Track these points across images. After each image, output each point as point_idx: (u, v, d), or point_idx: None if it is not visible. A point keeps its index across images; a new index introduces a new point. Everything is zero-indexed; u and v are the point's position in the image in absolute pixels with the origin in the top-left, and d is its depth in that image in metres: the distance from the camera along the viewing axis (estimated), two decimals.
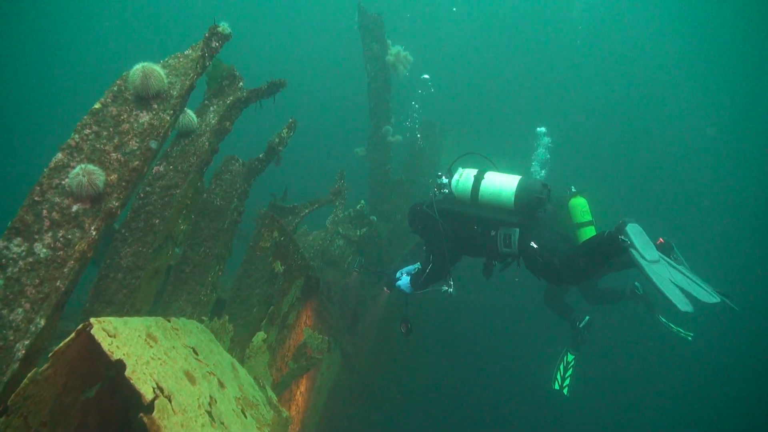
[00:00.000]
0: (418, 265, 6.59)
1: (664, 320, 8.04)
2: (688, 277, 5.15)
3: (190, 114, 4.38)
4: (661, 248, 5.46)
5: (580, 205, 7.12)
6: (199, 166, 4.17)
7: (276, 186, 6.65)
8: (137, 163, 3.15)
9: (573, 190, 7.70)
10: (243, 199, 5.18)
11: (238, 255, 5.78)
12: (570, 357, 7.85)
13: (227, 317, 4.89)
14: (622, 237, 5.13)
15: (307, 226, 7.50)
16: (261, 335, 5.40)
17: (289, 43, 36.78)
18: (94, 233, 2.98)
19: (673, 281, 4.97)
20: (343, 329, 7.86)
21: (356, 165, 11.10)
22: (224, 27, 3.73)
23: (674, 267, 5.20)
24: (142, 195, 4.18)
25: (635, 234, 5.17)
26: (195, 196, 4.18)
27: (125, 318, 3.22)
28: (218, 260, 4.91)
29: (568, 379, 7.78)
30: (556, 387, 7.80)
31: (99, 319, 2.97)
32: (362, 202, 8.25)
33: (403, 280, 6.55)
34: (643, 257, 5.04)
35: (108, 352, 2.84)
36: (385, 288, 7.00)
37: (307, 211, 6.41)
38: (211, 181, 5.38)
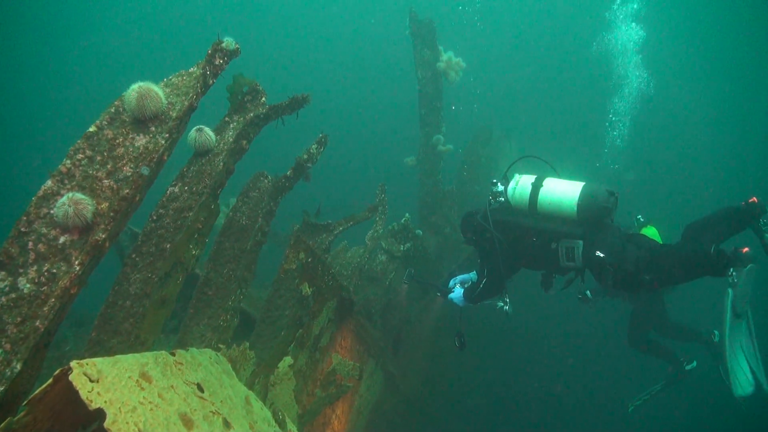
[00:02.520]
0: (473, 275, 6.14)
1: (657, 389, 7.87)
2: (755, 347, 4.50)
3: (207, 132, 4.16)
4: (752, 208, 4.73)
5: (651, 236, 6.54)
6: (213, 188, 3.94)
7: (317, 200, 6.42)
8: (127, 191, 2.92)
9: (641, 219, 7.31)
10: (269, 219, 4.93)
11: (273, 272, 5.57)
12: (657, 387, 7.80)
13: (247, 344, 4.65)
14: (734, 272, 4.42)
15: (347, 242, 7.21)
16: (288, 360, 5.15)
17: (338, 50, 36.63)
18: (77, 268, 2.77)
19: (743, 348, 4.34)
20: (385, 348, 7.53)
21: (406, 175, 10.76)
22: (229, 42, 3.47)
23: (750, 330, 4.55)
24: (155, 218, 4.00)
25: (748, 278, 4.47)
26: (208, 219, 3.95)
27: (116, 357, 2.99)
28: (240, 284, 4.68)
29: (642, 402, 7.82)
30: (630, 409, 7.92)
31: (81, 361, 2.74)
32: (407, 215, 7.88)
33: (456, 293, 6.09)
34: (735, 308, 4.44)
35: (87, 401, 2.61)
36: (438, 294, 6.55)
37: (341, 228, 6.11)
38: (237, 198, 5.18)
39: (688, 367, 7.55)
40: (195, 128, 4.15)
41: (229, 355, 4.44)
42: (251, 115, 4.30)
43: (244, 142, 4.21)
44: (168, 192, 4.07)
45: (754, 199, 4.82)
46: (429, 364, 9.07)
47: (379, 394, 7.63)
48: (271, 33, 36.55)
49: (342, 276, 6.76)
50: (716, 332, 7.60)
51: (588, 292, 7.56)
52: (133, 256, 3.87)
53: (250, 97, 4.52)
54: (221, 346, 4.39)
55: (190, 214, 3.89)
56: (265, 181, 5.20)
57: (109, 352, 3.64)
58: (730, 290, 4.39)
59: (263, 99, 4.49)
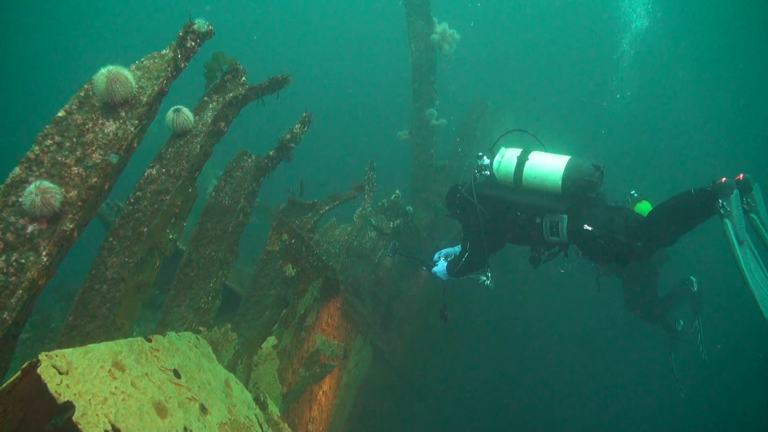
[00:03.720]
0: (458, 248, 6.12)
1: (698, 325, 7.74)
2: (761, 267, 4.43)
3: (185, 112, 4.07)
4: (739, 185, 4.49)
5: (645, 211, 6.50)
6: (190, 171, 3.87)
7: (307, 175, 6.36)
8: (95, 179, 2.86)
9: (635, 194, 7.27)
10: (251, 200, 4.87)
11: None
12: (698, 322, 7.77)
13: (229, 326, 4.64)
14: (724, 203, 4.32)
15: (336, 219, 7.16)
16: (272, 340, 5.15)
17: (329, 20, 35.73)
18: (45, 260, 2.73)
19: (753, 272, 4.27)
20: (374, 324, 7.55)
21: (398, 149, 10.64)
22: (201, 24, 3.36)
23: (755, 256, 4.45)
24: (132, 200, 3.94)
25: (737, 206, 4.33)
26: (185, 203, 3.89)
27: (88, 347, 2.97)
28: (222, 265, 4.65)
29: (701, 345, 7.80)
30: (704, 357, 7.85)
31: (51, 353, 2.72)
32: (397, 192, 7.81)
33: (440, 266, 6.07)
34: (737, 237, 4.27)
35: (55, 394, 2.60)
36: (423, 268, 6.54)
37: (327, 208, 6.05)
38: (220, 178, 5.11)
39: (678, 328, 7.80)
40: (173, 108, 4.06)
41: (210, 338, 4.44)
42: (230, 95, 4.20)
43: (223, 124, 4.12)
44: (146, 174, 4.00)
45: (741, 176, 4.64)
46: (418, 338, 9.11)
47: (368, 369, 7.68)
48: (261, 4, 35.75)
49: (329, 254, 6.74)
50: (693, 279, 7.84)
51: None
52: (111, 239, 3.82)
53: (230, 77, 4.41)
54: (201, 328, 4.38)
55: (168, 197, 3.83)
56: (249, 160, 5.12)
57: (86, 337, 3.62)
58: (726, 221, 4.28)
59: (243, 78, 4.38)
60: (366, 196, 6.91)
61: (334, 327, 6.36)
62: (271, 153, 4.90)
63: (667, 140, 23.77)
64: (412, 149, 9.86)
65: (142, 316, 6.22)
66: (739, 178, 4.60)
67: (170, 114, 4.04)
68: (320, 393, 6.37)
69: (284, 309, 5.23)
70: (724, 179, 4.45)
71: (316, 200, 6.05)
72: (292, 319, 5.36)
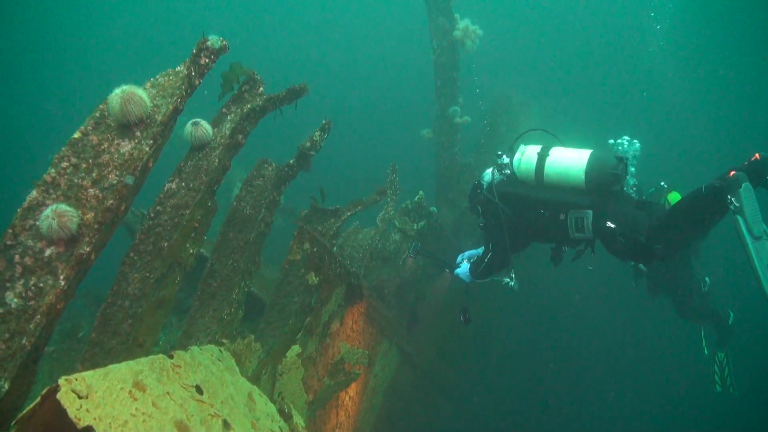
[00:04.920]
0: (481, 250, 6.04)
1: (722, 358, 7.52)
2: None
3: (204, 125, 4.05)
4: (757, 165, 4.33)
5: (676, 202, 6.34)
6: (209, 185, 3.85)
7: (334, 178, 6.33)
8: (111, 201, 2.84)
9: (664, 185, 7.14)
10: (272, 210, 4.84)
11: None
12: (721, 355, 7.57)
13: (252, 337, 4.62)
14: (732, 198, 4.17)
15: (359, 223, 7.11)
16: (296, 349, 5.13)
17: (349, 18, 35.38)
18: (63, 283, 2.72)
19: None
20: (400, 327, 7.49)
21: (422, 148, 10.53)
22: (215, 40, 3.32)
23: None
24: (152, 215, 3.94)
25: (748, 198, 4.16)
26: (205, 217, 3.87)
27: (109, 368, 2.96)
28: (244, 275, 4.63)
29: (729, 377, 7.54)
30: (719, 389, 7.64)
31: (70, 377, 2.72)
32: (420, 193, 7.72)
33: (463, 267, 6.01)
34: (751, 232, 4.11)
35: (75, 419, 2.59)
36: (446, 270, 6.48)
37: (349, 213, 6.00)
38: (242, 187, 5.09)
39: (730, 322, 7.54)
40: (191, 122, 4.04)
41: (233, 350, 4.43)
42: (248, 106, 4.16)
43: (240, 136, 4.09)
44: (165, 188, 3.99)
45: (757, 156, 4.45)
46: (446, 338, 9.03)
47: (395, 372, 7.64)
48: (279, 5, 35.68)
49: (353, 258, 6.69)
50: (731, 313, 7.56)
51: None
52: (131, 254, 3.83)
53: (247, 87, 4.38)
54: (225, 341, 4.37)
55: (187, 211, 3.81)
56: (269, 168, 5.09)
57: (108, 353, 3.63)
58: (738, 217, 4.13)
59: (261, 89, 4.34)
60: (389, 200, 6.84)
61: (358, 332, 6.32)
62: (291, 162, 4.86)
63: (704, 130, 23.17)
64: (435, 148, 9.76)
65: (168, 322, 6.27)
66: (756, 158, 4.40)
67: (188, 127, 4.02)
68: (347, 398, 6.35)
69: (308, 316, 5.20)
70: (732, 173, 4.28)
71: (338, 206, 6.00)
72: (316, 327, 5.33)
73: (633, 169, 6.91)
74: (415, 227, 7.53)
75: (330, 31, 34.09)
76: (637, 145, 6.01)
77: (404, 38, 27.15)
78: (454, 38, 9.27)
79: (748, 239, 4.11)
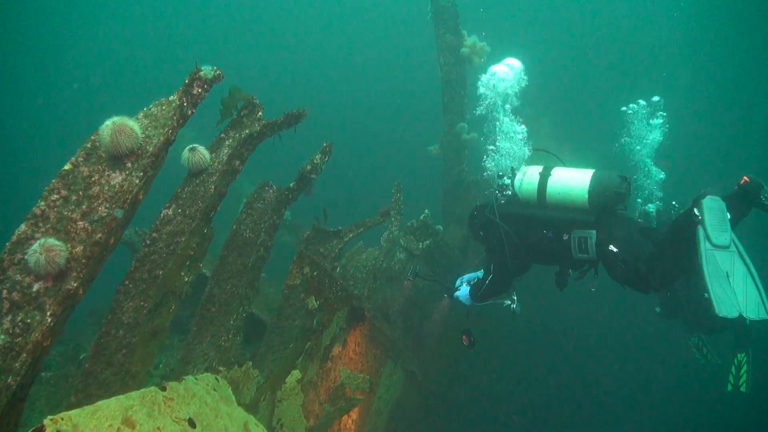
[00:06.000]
0: (480, 273, 5.96)
1: (741, 359, 7.46)
2: (753, 278, 4.32)
3: (201, 151, 4.01)
4: (747, 188, 4.59)
5: None
6: (205, 212, 3.80)
7: (341, 194, 6.27)
8: (100, 235, 2.80)
9: (676, 205, 7.08)
10: (271, 234, 4.78)
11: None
12: (741, 356, 7.52)
13: (250, 364, 4.56)
14: (695, 211, 4.36)
15: (363, 243, 7.03)
16: (296, 374, 5.05)
17: (358, 35, 35.32)
18: (50, 320, 2.67)
19: (729, 277, 4.21)
20: (405, 349, 7.40)
21: (430, 164, 10.45)
22: (207, 71, 3.28)
23: (744, 262, 4.40)
24: (148, 242, 3.89)
25: (711, 210, 4.36)
26: (200, 245, 3.82)
27: (97, 404, 2.90)
28: (242, 301, 4.57)
29: (744, 375, 7.53)
30: (729, 388, 7.63)
31: (55, 417, 2.66)
32: (426, 211, 7.64)
33: (462, 291, 5.93)
34: (708, 239, 4.28)
35: None
36: (445, 295, 6.41)
37: (351, 235, 5.93)
38: (242, 210, 5.04)
39: (748, 323, 7.28)
40: (188, 147, 4.01)
41: (230, 377, 4.37)
42: (246, 132, 4.12)
43: (237, 162, 4.04)
44: (162, 214, 3.95)
45: (746, 178, 4.68)
46: (452, 357, 8.91)
47: (400, 393, 7.53)
48: (286, 16, 35.82)
49: (356, 279, 6.62)
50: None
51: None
52: (127, 282, 3.79)
53: (246, 111, 4.33)
54: (221, 368, 4.30)
55: (183, 239, 3.76)
56: (270, 191, 5.04)
57: (102, 385, 3.58)
58: (699, 228, 4.34)
59: (260, 113, 4.30)
60: (393, 220, 6.77)
61: (361, 354, 6.24)
62: (291, 185, 4.81)
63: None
64: (443, 164, 9.69)
65: (170, 344, 6.22)
66: (745, 180, 4.65)
67: (185, 153, 3.99)
68: (349, 421, 6.26)
69: (309, 341, 5.14)
70: (702, 190, 4.50)
71: (340, 227, 5.94)
72: (317, 351, 5.26)
73: (660, 194, 6.93)
74: (421, 246, 7.44)
75: (338, 47, 34.17)
76: (662, 175, 5.99)
77: (412, 54, 27.14)
78: (461, 55, 9.22)
79: (702, 247, 4.24)
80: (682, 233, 4.52)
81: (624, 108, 6.06)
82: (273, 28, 35.75)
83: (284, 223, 10.37)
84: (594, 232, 4.90)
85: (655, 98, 6.55)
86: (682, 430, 12.99)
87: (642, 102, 6.55)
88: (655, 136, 6.32)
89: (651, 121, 6.25)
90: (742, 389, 7.38)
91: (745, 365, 7.37)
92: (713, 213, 4.35)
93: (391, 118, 27.30)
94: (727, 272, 4.24)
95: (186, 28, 34.91)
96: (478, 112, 6.34)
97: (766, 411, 11.55)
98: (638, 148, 6.34)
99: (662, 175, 5.92)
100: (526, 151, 5.99)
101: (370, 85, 30.95)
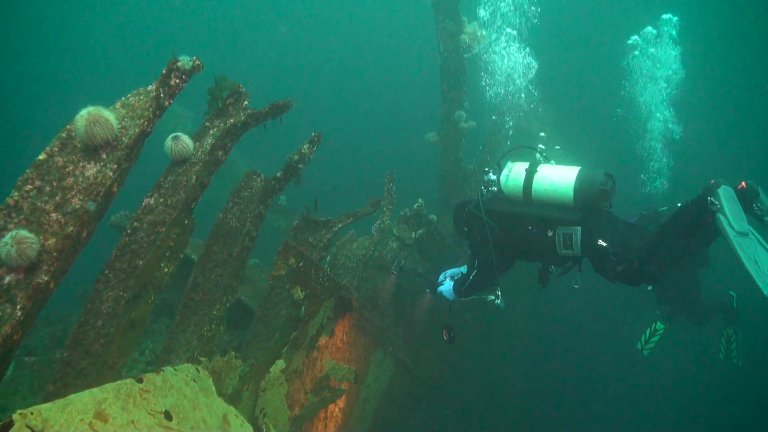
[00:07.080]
0: (464, 268, 5.96)
1: (731, 333, 7.70)
2: None
3: (184, 140, 3.96)
4: (742, 194, 4.74)
5: None
6: (186, 203, 3.75)
7: (334, 182, 6.22)
8: (72, 228, 2.76)
9: (665, 208, 7.39)
10: (257, 223, 4.74)
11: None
12: (729, 330, 7.79)
13: (233, 354, 4.55)
14: (711, 199, 4.42)
15: (354, 232, 7.00)
16: (280, 364, 5.05)
17: (354, 19, 34.82)
18: (19, 314, 2.65)
19: (759, 263, 4.24)
20: (395, 337, 7.39)
21: (427, 151, 10.36)
22: (185, 61, 3.21)
23: (763, 246, 4.49)
24: (129, 231, 3.86)
25: (727, 198, 4.44)
26: (181, 236, 3.78)
27: (69, 398, 2.88)
28: (225, 291, 4.55)
29: (735, 350, 7.79)
30: (721, 357, 7.97)
31: (25, 411, 2.64)
32: (420, 200, 7.58)
33: (446, 286, 5.99)
34: (732, 227, 4.32)
35: None
36: (427, 290, 6.42)
37: (341, 225, 5.89)
38: (229, 198, 5.00)
39: (734, 304, 7.68)
40: (171, 136, 3.96)
41: (211, 368, 4.35)
42: (230, 122, 4.06)
43: (221, 153, 3.99)
44: (144, 203, 3.91)
45: (743, 184, 4.83)
46: (442, 347, 8.90)
47: (390, 382, 7.54)
48: (285, 6, 35.34)
49: (347, 268, 6.59)
50: (732, 294, 7.68)
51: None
52: (106, 272, 3.76)
53: (232, 100, 4.27)
54: (203, 359, 4.29)
55: (164, 229, 3.73)
56: (258, 180, 5.00)
57: (80, 375, 3.57)
58: (719, 216, 4.39)
59: (246, 102, 4.23)
60: (385, 209, 6.72)
61: (349, 344, 6.23)
62: (278, 174, 4.75)
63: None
64: (440, 152, 9.60)
65: (156, 328, 6.22)
66: (742, 186, 4.81)
67: (168, 142, 3.94)
68: (336, 410, 6.26)
69: (294, 330, 5.12)
70: (713, 181, 4.60)
71: (329, 217, 5.89)
72: (302, 341, 5.25)
73: (665, 208, 6.95)
74: (414, 235, 7.40)
75: (336, 34, 33.71)
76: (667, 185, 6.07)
77: (411, 41, 26.82)
78: (461, 42, 9.09)
79: (731, 234, 4.26)
80: (693, 221, 4.56)
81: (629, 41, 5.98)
82: (268, 18, 35.35)
83: (279, 208, 10.34)
84: (579, 228, 4.93)
85: (665, 16, 6.36)
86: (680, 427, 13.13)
87: (650, 28, 6.33)
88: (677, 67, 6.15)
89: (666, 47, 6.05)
90: (735, 361, 7.61)
91: (735, 342, 7.59)
92: (730, 201, 4.44)
93: (389, 105, 27.11)
94: (755, 258, 4.30)
95: (184, 23, 34.58)
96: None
97: (766, 411, 11.65)
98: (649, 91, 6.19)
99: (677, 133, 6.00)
100: None
101: (370, 72, 30.66)
